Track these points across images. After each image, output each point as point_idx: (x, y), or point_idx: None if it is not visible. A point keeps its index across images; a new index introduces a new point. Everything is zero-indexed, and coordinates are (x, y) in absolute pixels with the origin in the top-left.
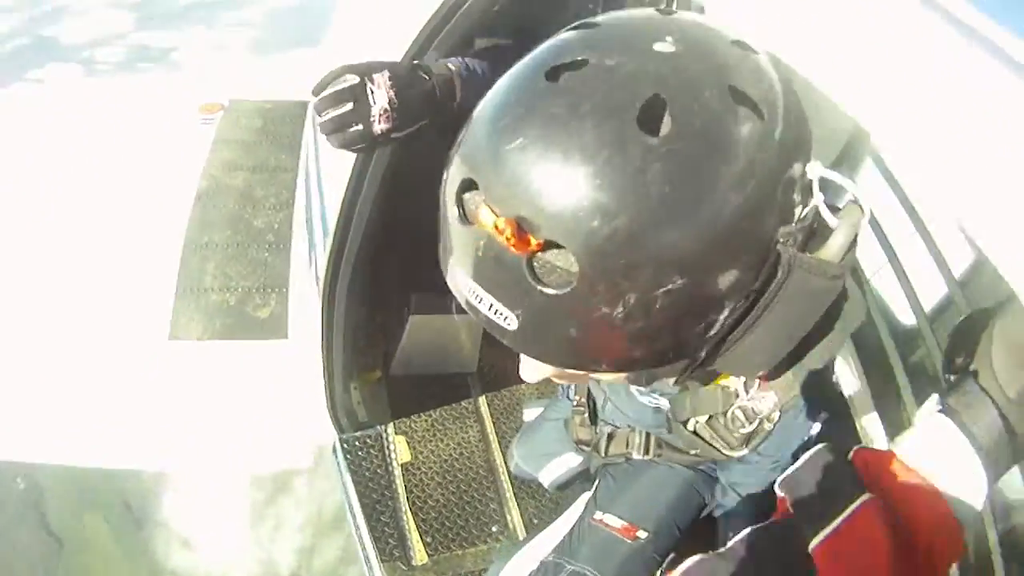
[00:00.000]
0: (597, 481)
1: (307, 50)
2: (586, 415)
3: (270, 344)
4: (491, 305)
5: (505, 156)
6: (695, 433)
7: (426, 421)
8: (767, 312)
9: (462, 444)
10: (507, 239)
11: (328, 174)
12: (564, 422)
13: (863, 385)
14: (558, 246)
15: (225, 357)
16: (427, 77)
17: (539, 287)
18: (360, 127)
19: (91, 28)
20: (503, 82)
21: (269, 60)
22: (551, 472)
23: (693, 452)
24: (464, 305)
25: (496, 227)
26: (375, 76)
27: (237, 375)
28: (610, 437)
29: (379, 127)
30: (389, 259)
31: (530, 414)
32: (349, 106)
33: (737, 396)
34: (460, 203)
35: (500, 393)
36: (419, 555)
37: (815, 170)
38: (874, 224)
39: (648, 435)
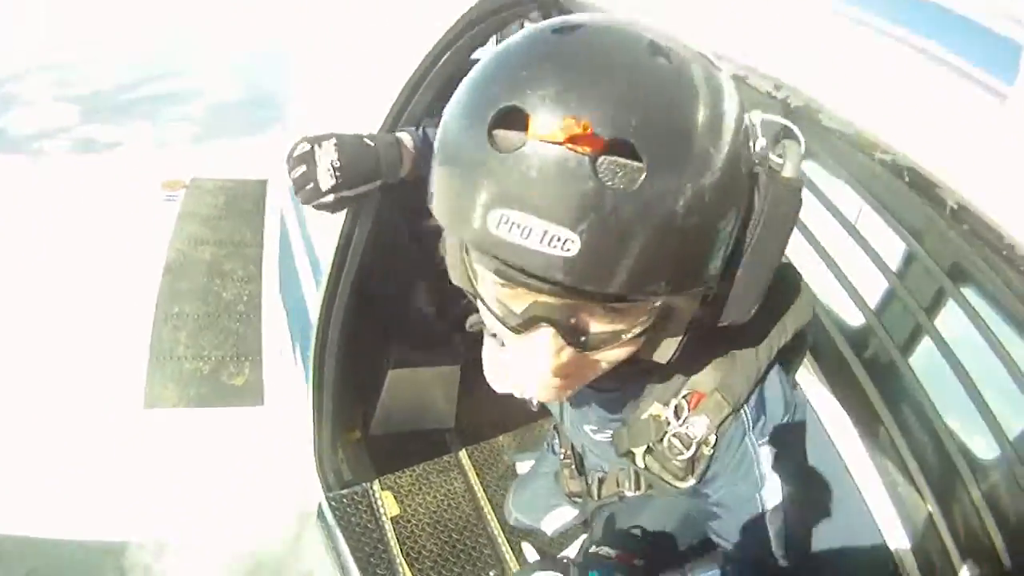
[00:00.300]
0: (594, 523)
1: (250, 139)
2: (573, 467)
3: (247, 411)
4: (545, 233)
5: (549, 74)
6: (646, 468)
7: (410, 476)
8: (757, 231)
9: (449, 495)
10: (583, 130)
11: (318, 231)
12: (555, 475)
13: (826, 389)
14: (622, 146)
15: (201, 425)
16: (371, 144)
17: (608, 189)
18: (311, 185)
19: (38, 120)
20: (497, 57)
21: (215, 150)
22: (551, 523)
23: (649, 489)
24: (501, 253)
25: (568, 124)
26: (323, 143)
27: (214, 443)
28: (601, 481)
29: (325, 184)
30: (371, 314)
31: (523, 467)
32: (302, 168)
33: (668, 424)
34: (491, 138)
35: (480, 446)
36: None
37: (755, 117)
38: (809, 236)
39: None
